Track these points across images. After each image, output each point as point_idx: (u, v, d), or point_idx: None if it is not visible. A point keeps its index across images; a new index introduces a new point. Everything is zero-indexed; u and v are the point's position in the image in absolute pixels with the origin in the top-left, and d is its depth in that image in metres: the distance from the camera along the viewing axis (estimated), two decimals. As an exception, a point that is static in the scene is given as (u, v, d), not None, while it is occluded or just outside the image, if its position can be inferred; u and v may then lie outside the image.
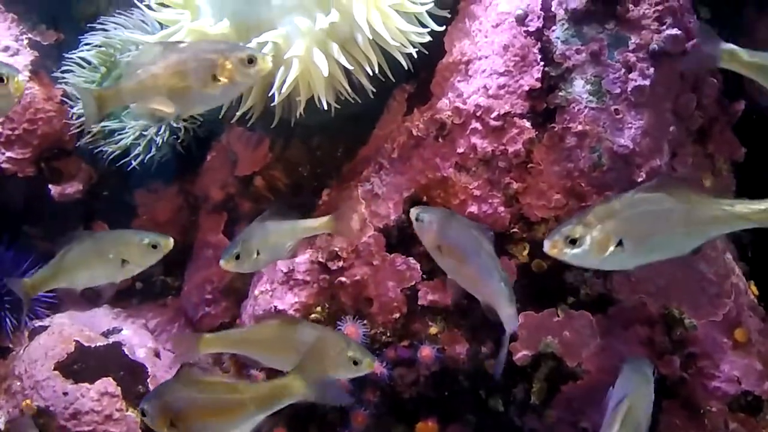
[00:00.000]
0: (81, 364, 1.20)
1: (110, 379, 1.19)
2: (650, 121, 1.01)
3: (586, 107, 1.01)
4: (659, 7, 1.01)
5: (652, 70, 1.01)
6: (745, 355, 1.03)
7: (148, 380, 1.22)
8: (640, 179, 1.00)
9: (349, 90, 1.06)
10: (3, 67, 0.87)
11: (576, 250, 0.78)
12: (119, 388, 1.19)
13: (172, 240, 1.01)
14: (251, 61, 0.89)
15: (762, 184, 1.22)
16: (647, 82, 1.00)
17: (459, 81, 1.08)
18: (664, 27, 1.01)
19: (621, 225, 0.78)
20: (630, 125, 1.01)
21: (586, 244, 0.78)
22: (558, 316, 1.05)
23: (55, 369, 1.19)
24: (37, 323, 1.30)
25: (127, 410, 1.18)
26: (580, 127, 1.01)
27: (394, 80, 1.10)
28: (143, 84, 0.89)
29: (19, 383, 1.19)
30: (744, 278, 1.10)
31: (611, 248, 0.78)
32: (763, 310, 1.10)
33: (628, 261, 0.81)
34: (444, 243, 0.90)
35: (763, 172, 1.21)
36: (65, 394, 1.17)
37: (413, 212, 0.93)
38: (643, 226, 0.79)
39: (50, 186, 1.38)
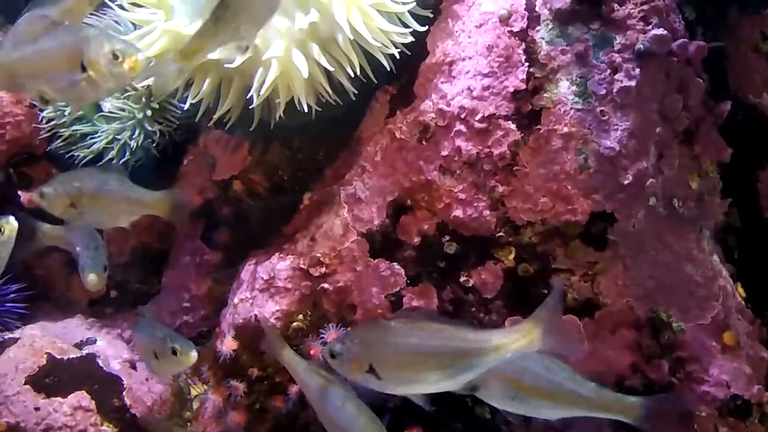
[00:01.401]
0: (53, 378, 1.17)
1: (84, 392, 1.16)
2: (636, 122, 1.00)
3: (571, 109, 1.00)
4: (644, 7, 1.00)
5: (637, 70, 1.00)
6: (733, 359, 1.03)
7: (124, 393, 1.19)
8: (626, 181, 0.99)
9: (330, 92, 1.04)
10: (118, 42, 0.79)
11: (336, 363, 0.80)
12: (93, 401, 1.16)
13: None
14: None
15: (747, 184, 1.23)
16: (633, 83, 0.99)
17: (442, 82, 1.06)
18: (650, 27, 1.00)
19: (369, 352, 0.78)
20: (616, 127, 1.00)
21: (343, 362, 0.80)
22: (545, 321, 1.03)
23: (26, 383, 1.16)
24: (7, 335, 1.26)
25: (102, 425, 1.15)
26: (565, 129, 1.00)
27: (376, 81, 1.08)
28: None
29: (-13, 399, 1.15)
30: (731, 280, 1.09)
31: (364, 372, 0.79)
32: (751, 313, 1.10)
33: (388, 387, 0.81)
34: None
35: (749, 172, 1.22)
36: (37, 409, 1.13)
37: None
38: (392, 358, 0.78)
39: (19, 192, 1.34)
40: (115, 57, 0.77)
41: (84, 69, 0.77)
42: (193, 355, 0.94)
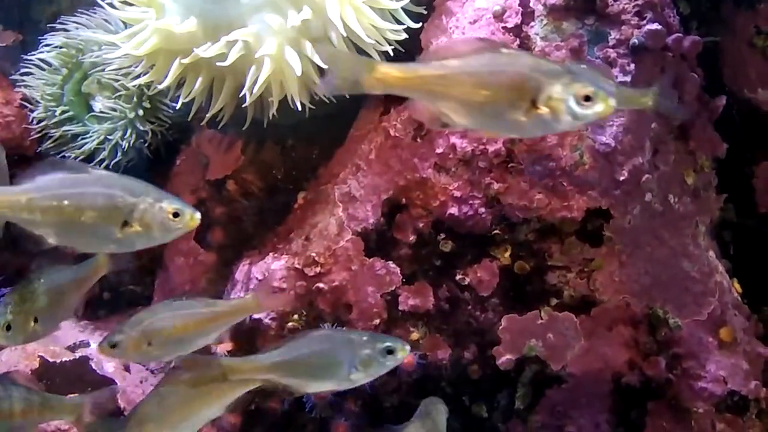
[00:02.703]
0: (46, 381, 1.16)
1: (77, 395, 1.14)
2: (631, 118, 1.00)
3: (566, 105, 0.99)
4: (639, 2, 1.00)
5: (632, 66, 0.99)
6: (730, 355, 1.02)
7: (118, 396, 1.17)
8: (622, 177, 0.99)
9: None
10: (590, 83, 0.67)
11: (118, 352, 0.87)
12: (87, 405, 1.14)
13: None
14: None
15: (743, 180, 1.23)
16: (628, 79, 0.99)
17: (436, 79, 1.05)
18: (644, 22, 1.00)
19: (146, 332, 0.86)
20: (611, 123, 0.99)
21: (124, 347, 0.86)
22: (541, 319, 1.03)
23: (18, 386, 1.14)
24: (-1, 338, 1.24)
25: (96, 428, 1.13)
26: (560, 125, 0.99)
27: (369, 79, 1.06)
28: None
29: (-21, 403, 1.14)
30: (727, 276, 1.09)
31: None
32: (748, 308, 1.10)
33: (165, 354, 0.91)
34: None
35: (745, 167, 1.22)
36: (29, 412, 1.12)
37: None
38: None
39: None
40: (586, 99, 0.67)
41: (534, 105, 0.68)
42: (408, 346, 0.84)
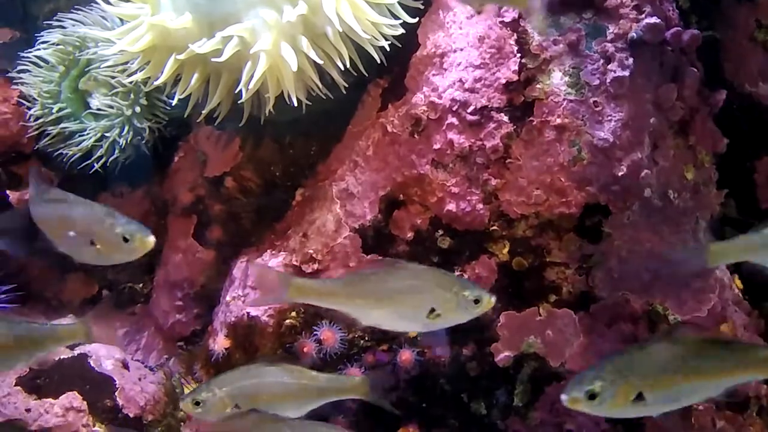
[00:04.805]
0: (44, 378, 1.15)
1: (75, 393, 1.14)
2: (630, 112, 0.99)
3: (564, 100, 0.99)
4: (638, -5, 0.99)
5: (631, 60, 0.99)
6: (731, 351, 1.01)
7: (116, 393, 1.17)
8: (620, 173, 0.98)
9: (320, 85, 1.02)
10: None
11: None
12: (85, 402, 1.14)
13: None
14: None
15: (744, 175, 1.22)
16: (626, 73, 0.98)
17: (434, 75, 1.04)
18: (643, 15, 0.99)
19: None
20: (610, 117, 0.98)
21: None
22: (540, 315, 1.02)
23: (16, 384, 1.14)
24: (-2, 336, 1.24)
25: (94, 425, 1.13)
26: (558, 121, 0.98)
27: (367, 75, 1.06)
28: None
29: (-23, 401, 1.14)
30: (728, 272, 1.08)
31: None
32: (748, 305, 1.09)
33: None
34: None
35: (745, 162, 1.21)
36: (28, 410, 1.12)
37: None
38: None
39: (8, 192, 1.32)
40: None
41: None
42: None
